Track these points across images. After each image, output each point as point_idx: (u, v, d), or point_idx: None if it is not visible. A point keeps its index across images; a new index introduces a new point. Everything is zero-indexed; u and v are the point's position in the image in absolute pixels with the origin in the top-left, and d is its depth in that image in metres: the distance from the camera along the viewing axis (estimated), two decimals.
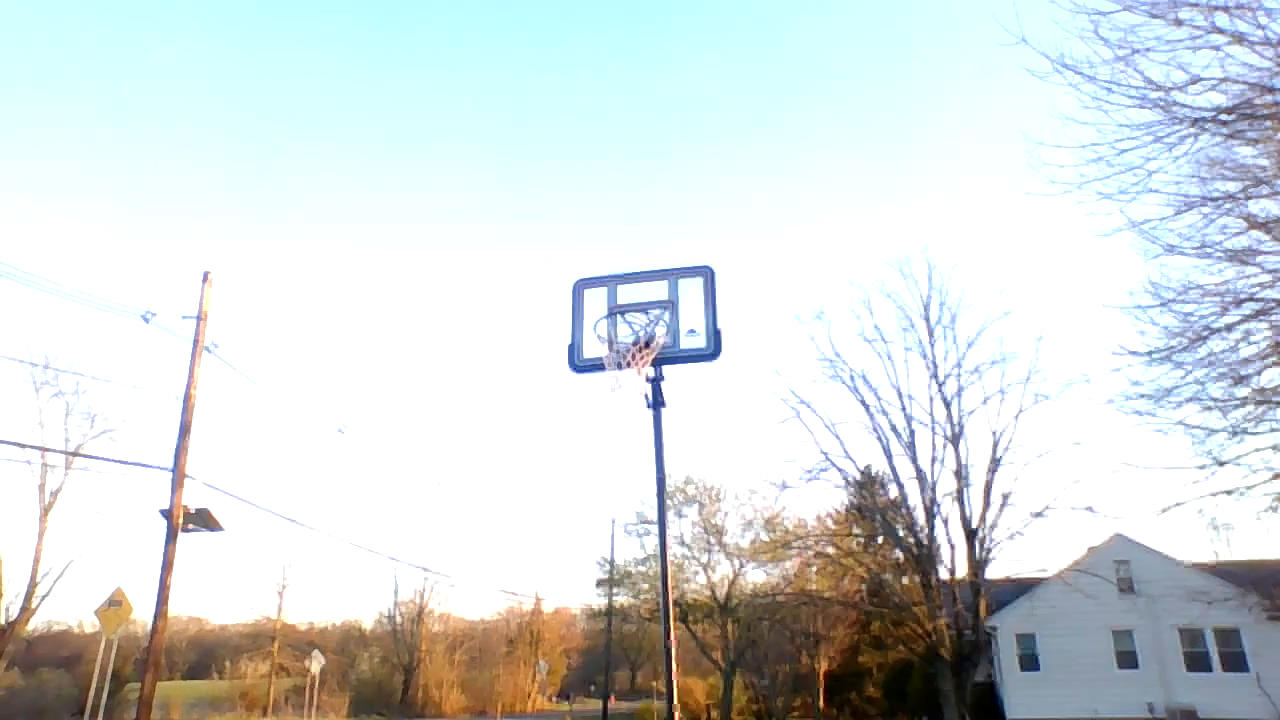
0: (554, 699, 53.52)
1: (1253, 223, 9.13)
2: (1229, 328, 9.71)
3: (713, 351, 6.53)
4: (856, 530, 29.29)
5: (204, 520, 13.71)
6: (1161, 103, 7.64)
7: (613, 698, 44.44)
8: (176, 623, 57.07)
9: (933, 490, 22.23)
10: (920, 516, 22.92)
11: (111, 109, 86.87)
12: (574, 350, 6.79)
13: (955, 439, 22.23)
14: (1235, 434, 10.47)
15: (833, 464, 22.96)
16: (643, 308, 6.73)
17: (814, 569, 33.22)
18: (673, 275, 6.85)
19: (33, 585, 25.77)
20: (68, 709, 25.78)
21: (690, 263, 6.91)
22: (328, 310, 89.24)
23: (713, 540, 34.83)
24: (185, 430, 13.74)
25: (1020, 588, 24.86)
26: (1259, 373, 9.93)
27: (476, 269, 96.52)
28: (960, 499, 21.82)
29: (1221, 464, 10.68)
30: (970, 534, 21.53)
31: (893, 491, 26.08)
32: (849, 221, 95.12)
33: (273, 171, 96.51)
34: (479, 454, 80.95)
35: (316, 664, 33.56)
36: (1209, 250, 9.41)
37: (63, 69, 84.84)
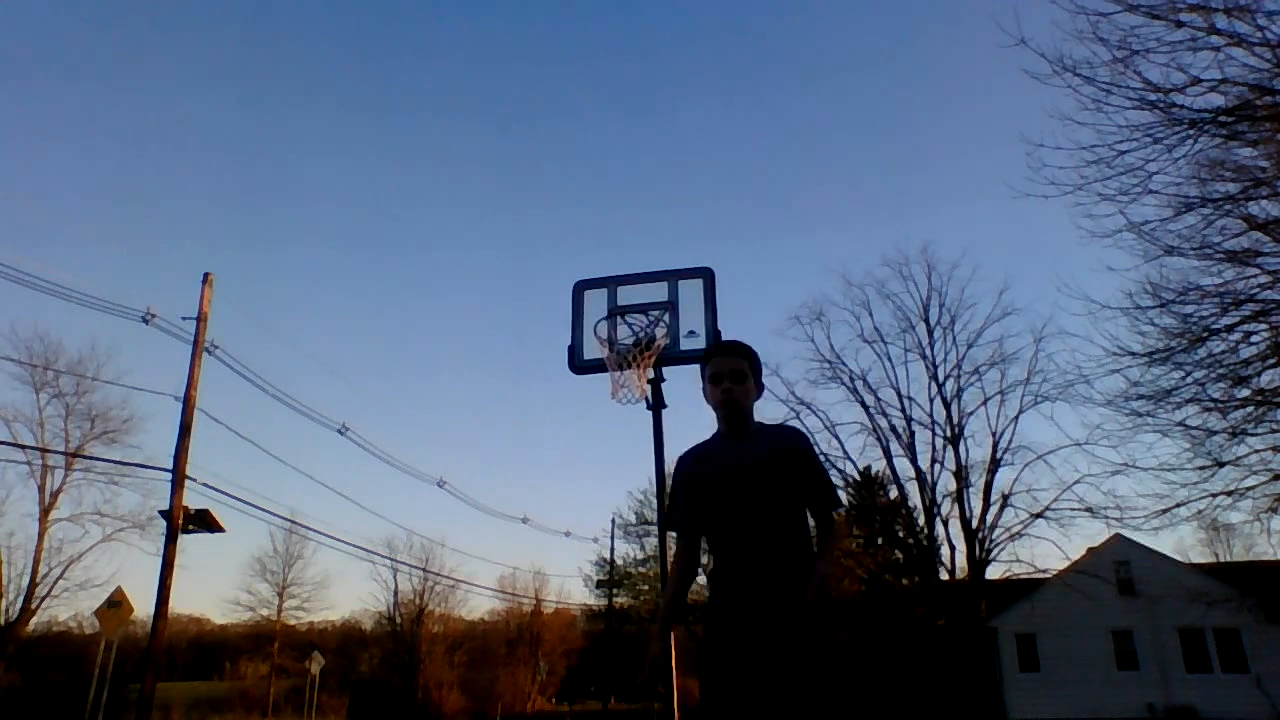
0: (553, 700, 53.53)
1: (1252, 223, 9.14)
2: (1229, 329, 9.71)
3: None
4: (856, 531, 29.30)
5: (204, 521, 13.72)
6: (1161, 104, 7.65)
7: (612, 699, 44.47)
8: (176, 623, 57.02)
9: (933, 491, 22.27)
10: (920, 517, 22.96)
11: (109, 108, 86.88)
12: (574, 351, 6.79)
13: (955, 440, 22.26)
14: (1235, 435, 10.47)
15: (832, 465, 22.99)
16: (643, 309, 6.74)
17: None
18: (672, 277, 6.85)
19: (33, 585, 25.82)
20: (68, 710, 25.78)
21: (690, 264, 6.92)
22: (328, 311, 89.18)
23: None
24: (185, 431, 13.75)
25: (1020, 588, 24.86)
26: (1259, 374, 9.94)
27: (475, 268, 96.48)
28: (960, 499, 21.86)
29: (1221, 465, 10.70)
30: (970, 534, 21.55)
31: (893, 492, 26.16)
32: (847, 222, 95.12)
33: (272, 171, 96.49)
34: (478, 453, 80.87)
35: (316, 665, 33.54)
36: (1209, 251, 9.42)
37: (62, 68, 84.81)
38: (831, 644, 2.56)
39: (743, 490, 2.66)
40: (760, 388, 2.88)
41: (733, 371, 2.79)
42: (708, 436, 2.92)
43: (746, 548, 2.61)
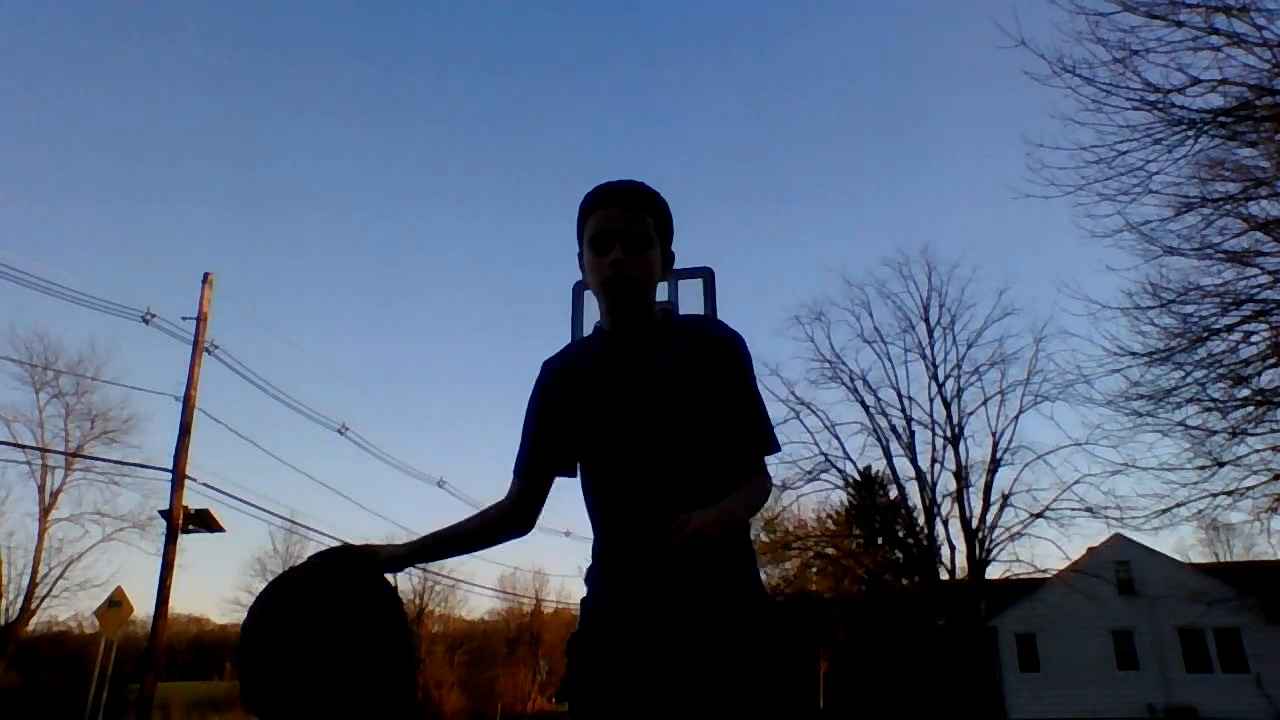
0: (553, 700, 53.56)
1: (1252, 223, 9.15)
2: (1229, 329, 9.72)
3: None
4: (856, 531, 29.32)
5: (204, 521, 13.73)
6: (1160, 105, 7.67)
7: None
8: (176, 623, 57.02)
9: (933, 491, 22.30)
10: (920, 517, 22.98)
11: (109, 108, 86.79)
12: None
13: (955, 439, 22.28)
14: (1235, 435, 10.47)
15: (833, 465, 23.02)
16: None
17: (814, 570, 33.28)
18: (672, 277, 6.82)
19: (33, 585, 25.81)
20: (68, 710, 25.80)
21: (690, 264, 6.89)
22: (328, 311, 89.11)
23: None
24: (185, 431, 13.75)
25: (1020, 588, 24.86)
26: (1259, 374, 9.94)
27: (476, 268, 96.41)
28: (960, 499, 21.88)
29: (1221, 465, 10.70)
30: (970, 534, 21.57)
31: (893, 492, 26.18)
32: (847, 222, 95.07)
33: (273, 171, 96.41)
34: (478, 453, 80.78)
35: None
36: (1209, 251, 9.44)
37: (61, 68, 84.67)
38: (794, 660, 1.57)
39: (646, 415, 1.60)
40: (670, 258, 1.86)
41: (628, 232, 1.68)
42: (584, 336, 1.68)
43: (653, 507, 1.53)
